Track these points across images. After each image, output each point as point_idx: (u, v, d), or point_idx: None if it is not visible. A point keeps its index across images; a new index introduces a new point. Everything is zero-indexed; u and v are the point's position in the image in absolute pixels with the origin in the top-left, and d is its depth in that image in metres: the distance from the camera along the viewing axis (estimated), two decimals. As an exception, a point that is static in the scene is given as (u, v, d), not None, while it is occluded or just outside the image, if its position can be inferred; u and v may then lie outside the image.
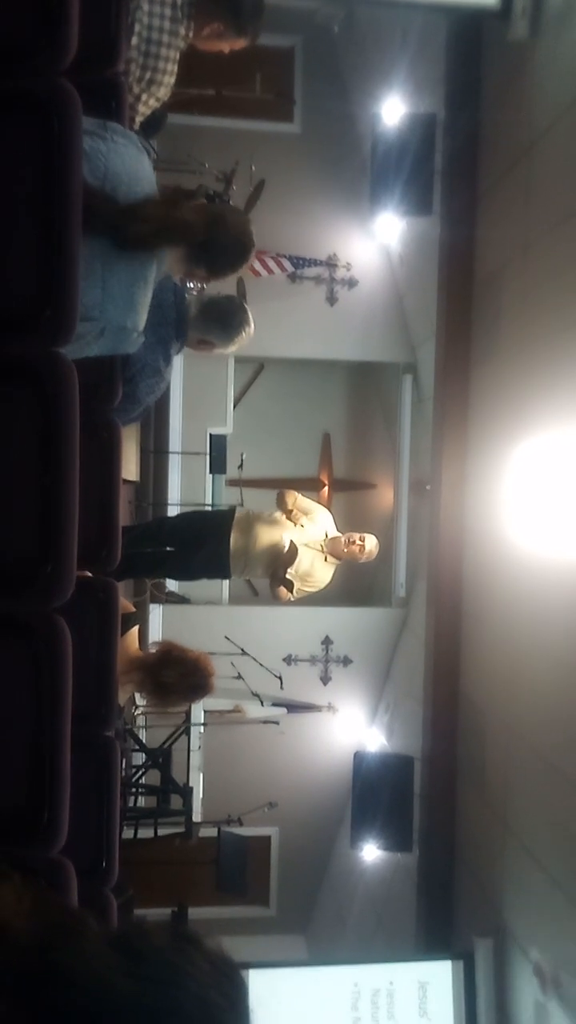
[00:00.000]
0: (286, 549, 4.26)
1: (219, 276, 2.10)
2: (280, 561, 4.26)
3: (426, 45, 5.63)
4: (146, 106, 2.69)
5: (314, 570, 4.37)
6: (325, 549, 4.38)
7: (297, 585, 4.32)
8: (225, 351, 2.79)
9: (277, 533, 4.33)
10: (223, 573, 4.48)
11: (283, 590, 4.29)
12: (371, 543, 4.38)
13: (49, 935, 0.70)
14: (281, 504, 4.44)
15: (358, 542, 4.34)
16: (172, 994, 0.68)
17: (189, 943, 0.72)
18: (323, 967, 5.39)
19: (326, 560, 4.39)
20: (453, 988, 4.93)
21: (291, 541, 4.27)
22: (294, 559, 4.23)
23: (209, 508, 4.92)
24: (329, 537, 4.40)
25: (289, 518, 4.39)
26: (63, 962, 0.68)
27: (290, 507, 4.40)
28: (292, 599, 4.44)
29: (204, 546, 4.36)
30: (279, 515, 4.42)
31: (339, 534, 4.42)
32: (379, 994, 4.91)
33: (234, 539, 4.31)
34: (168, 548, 4.45)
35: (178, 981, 0.69)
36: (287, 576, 4.25)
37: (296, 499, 4.45)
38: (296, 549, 4.25)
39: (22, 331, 1.58)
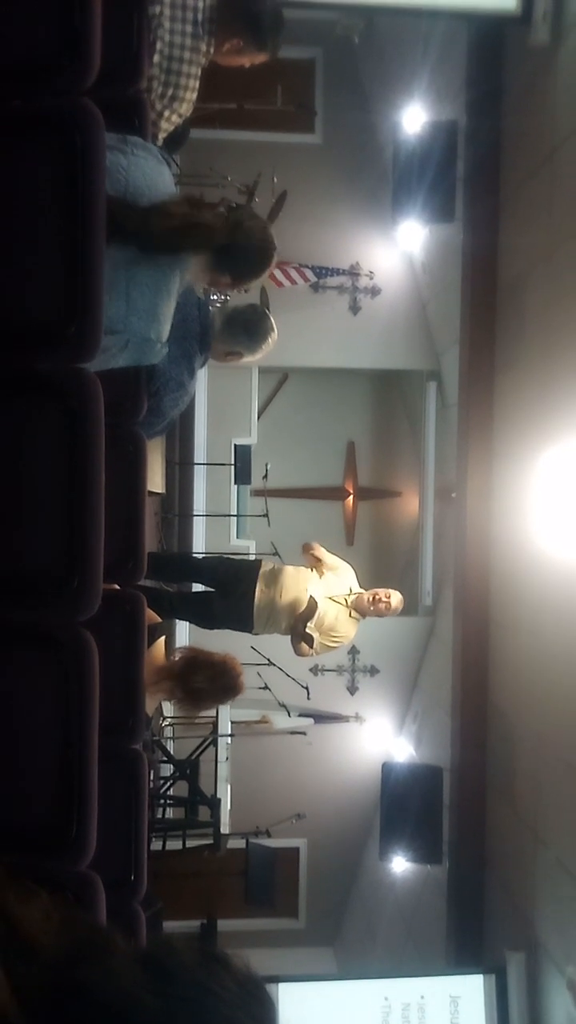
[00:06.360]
0: (306, 603, 4.23)
1: (243, 282, 2.10)
2: (300, 615, 4.23)
3: (447, 53, 5.62)
4: (168, 122, 2.71)
5: (338, 624, 4.33)
6: (350, 604, 4.34)
7: (319, 639, 4.28)
8: (252, 359, 2.80)
9: (302, 586, 4.29)
10: (246, 627, 4.41)
11: (304, 645, 4.26)
12: (395, 599, 4.34)
13: (76, 952, 0.70)
14: (307, 554, 4.43)
15: (383, 599, 4.31)
16: (199, 1014, 0.68)
17: (217, 962, 0.72)
18: (353, 981, 5.34)
19: (351, 615, 4.36)
20: (485, 1003, 4.86)
21: (311, 596, 4.24)
22: (314, 613, 4.20)
23: (235, 557, 4.90)
24: (353, 592, 4.37)
25: (315, 568, 4.39)
26: (90, 979, 0.68)
27: (317, 556, 4.39)
28: (314, 655, 4.41)
29: (228, 597, 4.35)
30: (304, 568, 4.41)
31: (362, 591, 4.39)
32: (410, 1008, 4.86)
33: (259, 592, 4.29)
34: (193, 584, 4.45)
35: (206, 1001, 0.69)
36: (307, 631, 4.21)
37: (322, 551, 4.44)
38: (316, 603, 4.21)
39: (48, 347, 1.60)
